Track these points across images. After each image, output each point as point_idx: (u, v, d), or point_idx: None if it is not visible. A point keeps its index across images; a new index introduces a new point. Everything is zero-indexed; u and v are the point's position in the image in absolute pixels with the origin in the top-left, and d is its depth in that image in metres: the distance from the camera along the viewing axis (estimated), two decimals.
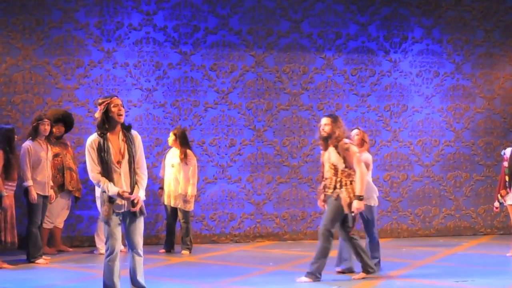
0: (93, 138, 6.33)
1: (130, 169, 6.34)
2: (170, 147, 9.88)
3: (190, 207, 9.76)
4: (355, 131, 8.42)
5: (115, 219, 6.34)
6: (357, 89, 11.41)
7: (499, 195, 9.36)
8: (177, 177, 9.65)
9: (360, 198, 7.56)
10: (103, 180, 6.28)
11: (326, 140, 7.76)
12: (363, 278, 7.72)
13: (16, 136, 8.65)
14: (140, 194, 6.36)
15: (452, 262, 9.13)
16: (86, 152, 6.34)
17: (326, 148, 7.80)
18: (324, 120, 7.79)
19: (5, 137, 8.52)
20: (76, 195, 9.81)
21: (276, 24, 11.08)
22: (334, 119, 7.79)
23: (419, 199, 11.62)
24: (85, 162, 10.07)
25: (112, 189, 6.26)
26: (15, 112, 10.12)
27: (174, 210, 9.77)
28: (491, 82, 11.88)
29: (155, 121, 10.65)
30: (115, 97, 6.36)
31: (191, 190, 9.67)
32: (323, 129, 7.75)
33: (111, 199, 6.29)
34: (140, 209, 6.39)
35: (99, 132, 6.30)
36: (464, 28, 11.75)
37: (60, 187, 9.55)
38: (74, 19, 10.34)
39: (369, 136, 11.36)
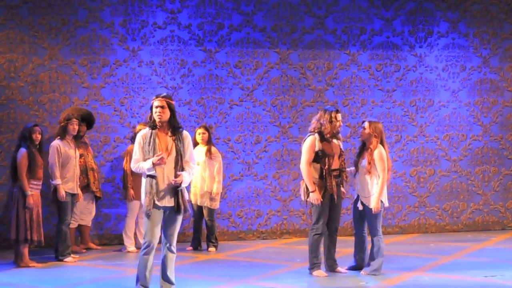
0: (144, 131, 6.60)
1: (176, 167, 6.50)
2: (195, 146, 9.87)
3: (216, 205, 9.76)
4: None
5: (157, 213, 6.47)
6: (382, 85, 11.34)
7: None
8: (203, 175, 9.66)
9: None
10: (138, 162, 6.52)
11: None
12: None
13: (40, 135, 8.66)
14: (185, 175, 6.48)
15: (480, 257, 9.06)
16: (135, 143, 6.62)
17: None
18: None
19: (27, 136, 8.58)
20: (98, 195, 9.86)
21: (300, 21, 11.05)
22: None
23: (447, 194, 11.52)
24: (111, 161, 10.37)
25: (146, 164, 6.43)
26: (42, 112, 10.22)
27: (200, 208, 9.78)
28: None
29: (180, 119, 10.64)
30: (156, 98, 6.55)
31: (217, 188, 9.67)
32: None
33: (152, 189, 6.40)
34: (184, 207, 6.53)
35: (149, 126, 6.58)
36: (491, 21, 11.63)
37: (84, 188, 9.57)
38: (100, 19, 10.41)
39: (395, 131, 11.35)
